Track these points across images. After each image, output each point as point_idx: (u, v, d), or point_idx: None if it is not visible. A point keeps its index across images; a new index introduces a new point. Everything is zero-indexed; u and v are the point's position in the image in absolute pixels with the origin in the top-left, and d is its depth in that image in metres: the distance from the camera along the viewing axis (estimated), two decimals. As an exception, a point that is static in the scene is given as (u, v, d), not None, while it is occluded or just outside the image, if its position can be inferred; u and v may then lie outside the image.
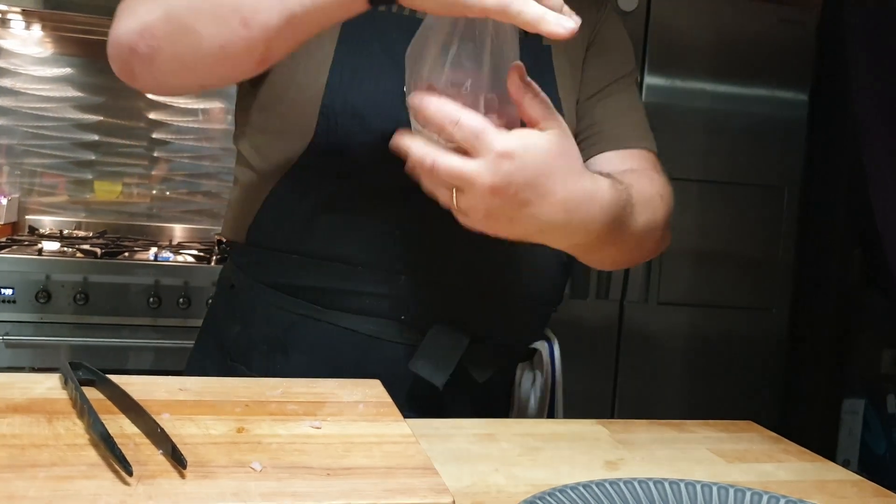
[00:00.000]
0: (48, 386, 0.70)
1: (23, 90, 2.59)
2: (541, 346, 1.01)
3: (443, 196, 0.67)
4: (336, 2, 0.67)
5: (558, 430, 0.82)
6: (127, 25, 0.75)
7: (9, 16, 2.47)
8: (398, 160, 0.86)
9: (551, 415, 1.01)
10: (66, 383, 0.69)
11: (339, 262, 0.89)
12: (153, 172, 2.70)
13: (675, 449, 0.78)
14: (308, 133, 0.89)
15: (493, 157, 0.62)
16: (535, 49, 0.94)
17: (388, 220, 0.88)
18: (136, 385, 0.70)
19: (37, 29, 2.58)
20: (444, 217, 0.87)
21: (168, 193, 2.71)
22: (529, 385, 1.00)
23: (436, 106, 0.63)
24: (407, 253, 0.88)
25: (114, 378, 0.71)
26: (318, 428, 0.64)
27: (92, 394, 0.67)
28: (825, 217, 2.48)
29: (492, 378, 0.94)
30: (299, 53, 0.91)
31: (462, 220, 0.68)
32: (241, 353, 0.94)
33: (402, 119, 0.86)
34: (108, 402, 0.67)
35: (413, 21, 0.91)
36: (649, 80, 2.34)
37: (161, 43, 0.73)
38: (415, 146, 0.65)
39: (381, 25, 0.90)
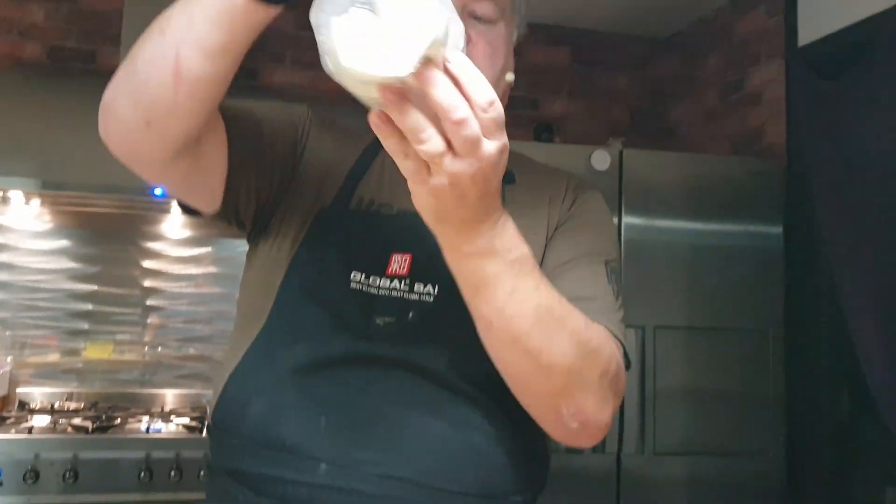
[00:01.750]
0: None
1: (19, 264, 2.65)
2: None
3: (413, 163, 0.65)
4: (225, 10, 0.72)
5: None
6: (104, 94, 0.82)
7: (9, 193, 2.56)
8: (333, 353, 0.91)
9: None
10: None
11: (267, 448, 0.90)
12: (146, 339, 2.72)
13: None
14: (262, 318, 0.95)
15: (497, 149, 0.64)
16: None
17: (314, 407, 0.91)
18: None
19: (35, 204, 2.67)
20: (369, 407, 0.90)
21: (160, 359, 2.72)
22: None
23: (446, 96, 0.61)
24: (329, 440, 0.90)
25: None
26: None
27: None
28: (810, 356, 2.49)
29: None
30: (271, 246, 0.99)
31: (418, 185, 0.67)
32: None
33: (343, 314, 0.92)
34: None
35: (377, 217, 0.97)
36: (626, 219, 2.42)
37: (115, 84, 0.80)
38: (413, 117, 0.62)
39: (346, 223, 0.97)
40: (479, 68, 0.96)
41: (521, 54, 3.60)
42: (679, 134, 3.26)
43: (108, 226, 2.72)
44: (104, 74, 2.80)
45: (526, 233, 0.99)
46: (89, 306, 2.69)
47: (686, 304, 2.43)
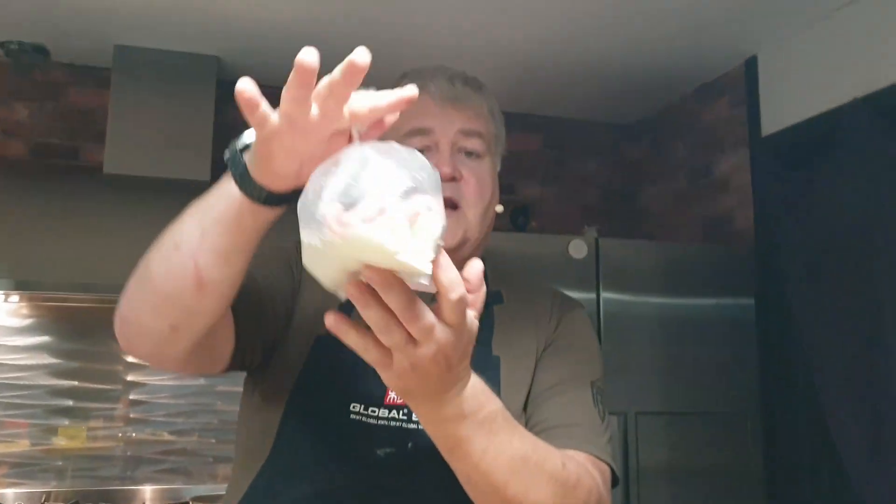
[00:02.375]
0: None
1: (-1, 362, 2.64)
2: None
3: (375, 353, 0.68)
4: (232, 217, 0.75)
5: None
6: (118, 307, 0.85)
7: (-12, 289, 2.56)
8: (337, 486, 0.92)
9: None
10: None
11: None
12: (126, 433, 2.70)
13: None
14: (264, 453, 0.96)
15: (461, 326, 0.67)
16: (483, 356, 1.00)
17: None
18: None
19: (14, 300, 2.66)
20: None
21: (141, 454, 2.69)
22: None
23: (453, 274, 0.64)
24: None
25: None
26: None
27: None
28: (789, 438, 2.53)
29: None
30: (271, 377, 1.00)
31: (385, 372, 0.70)
32: None
33: (344, 446, 0.93)
34: None
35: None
36: (605, 295, 2.47)
37: (132, 299, 0.83)
38: (399, 293, 0.64)
39: (343, 351, 0.99)
40: (470, 201, 1.01)
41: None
42: (651, 216, 3.35)
43: (87, 321, 2.72)
44: (88, 171, 2.80)
45: (515, 356, 1.03)
46: (70, 402, 2.67)
47: (665, 389, 2.47)
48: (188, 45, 2.70)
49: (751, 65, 2.77)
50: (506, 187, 3.26)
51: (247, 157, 0.73)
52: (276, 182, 0.71)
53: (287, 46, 2.70)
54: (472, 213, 1.03)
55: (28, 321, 2.68)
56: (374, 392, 0.97)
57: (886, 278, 2.14)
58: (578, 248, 2.45)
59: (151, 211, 2.48)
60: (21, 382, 2.64)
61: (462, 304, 0.66)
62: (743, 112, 2.78)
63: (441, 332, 0.67)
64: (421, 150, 0.98)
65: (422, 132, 1.03)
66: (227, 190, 0.75)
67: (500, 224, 3.16)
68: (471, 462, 0.79)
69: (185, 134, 2.66)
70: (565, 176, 3.44)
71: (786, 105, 2.60)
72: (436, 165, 0.98)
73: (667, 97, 3.20)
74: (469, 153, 1.05)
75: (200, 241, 0.77)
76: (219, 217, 0.76)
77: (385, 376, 0.71)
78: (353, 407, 0.96)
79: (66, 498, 2.57)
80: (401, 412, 0.97)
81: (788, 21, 2.51)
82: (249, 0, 2.42)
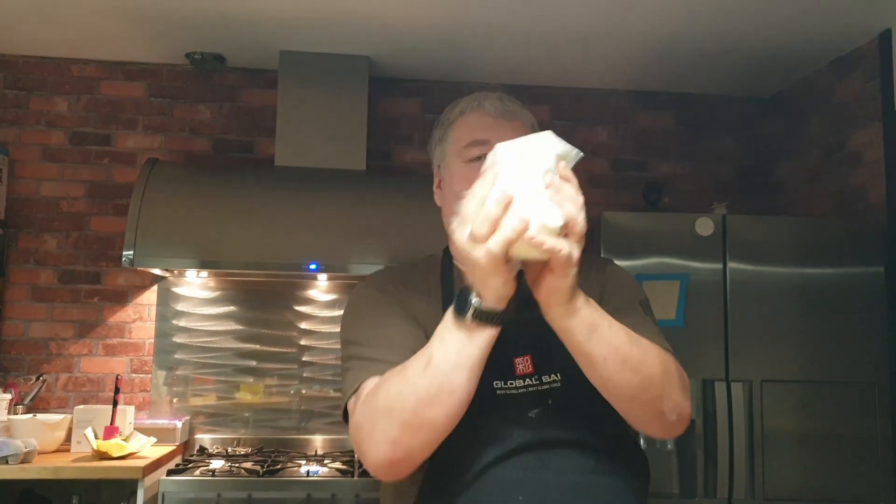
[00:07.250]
0: None
1: (194, 328, 3.09)
2: None
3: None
4: (487, 346, 1.01)
5: None
6: (378, 451, 1.04)
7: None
8: (510, 446, 1.14)
9: None
10: None
11: None
12: (302, 391, 3.10)
13: None
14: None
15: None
16: None
17: (510, 491, 1.11)
18: None
19: (203, 275, 3.10)
20: (551, 481, 1.13)
21: (313, 408, 3.10)
22: None
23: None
24: None
25: None
26: None
27: None
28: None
29: None
30: None
31: (568, 269, 0.95)
32: None
33: (505, 414, 1.15)
34: None
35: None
36: (731, 265, 2.60)
37: (411, 442, 1.03)
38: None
39: None
40: None
41: (628, 120, 3.90)
42: (785, 191, 3.39)
43: (263, 293, 3.12)
44: (262, 163, 3.18)
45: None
46: (252, 363, 3.10)
47: (791, 357, 2.57)
48: (343, 47, 3.01)
49: (885, 38, 2.76)
50: (638, 164, 3.44)
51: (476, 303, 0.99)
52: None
53: (429, 46, 2.97)
54: None
55: (216, 293, 3.12)
56: (504, 369, 1.17)
57: None
58: (705, 226, 2.59)
59: (316, 198, 2.84)
60: (212, 346, 3.09)
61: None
62: (876, 86, 2.79)
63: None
64: (479, 157, 1.22)
65: (481, 143, 1.23)
66: (475, 333, 1.00)
67: (633, 200, 3.32)
68: (605, 339, 1.02)
69: (343, 128, 2.98)
70: (699, 152, 3.52)
71: (922, 77, 2.60)
72: None
73: (801, 71, 3.22)
74: None
75: (469, 380, 1.01)
76: (480, 354, 1.01)
77: (562, 284, 0.97)
78: (496, 384, 1.16)
79: (252, 444, 3.01)
80: (532, 378, 1.18)
81: (923, -6, 2.50)
82: (395, 5, 2.68)
